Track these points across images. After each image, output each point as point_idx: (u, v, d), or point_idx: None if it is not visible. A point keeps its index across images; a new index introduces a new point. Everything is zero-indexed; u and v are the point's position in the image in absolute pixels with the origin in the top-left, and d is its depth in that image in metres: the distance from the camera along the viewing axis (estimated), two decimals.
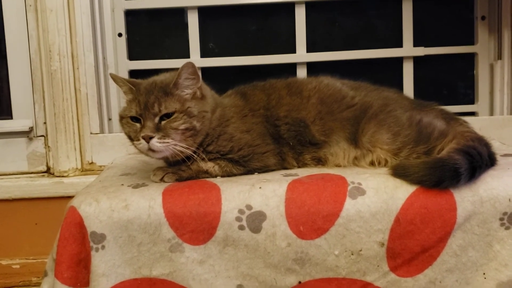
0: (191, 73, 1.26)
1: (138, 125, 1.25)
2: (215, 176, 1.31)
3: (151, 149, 1.22)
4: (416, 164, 1.19)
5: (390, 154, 1.31)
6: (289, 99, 1.43)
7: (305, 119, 1.39)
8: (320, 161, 1.38)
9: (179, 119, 1.24)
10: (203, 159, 1.29)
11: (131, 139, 1.28)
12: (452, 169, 1.14)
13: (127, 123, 1.27)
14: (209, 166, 1.30)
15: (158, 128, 1.22)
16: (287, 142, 1.39)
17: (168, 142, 1.22)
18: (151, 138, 1.21)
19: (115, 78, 1.32)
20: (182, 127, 1.24)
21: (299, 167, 1.39)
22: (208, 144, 1.31)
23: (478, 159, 1.18)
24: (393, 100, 1.41)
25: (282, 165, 1.38)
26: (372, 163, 1.33)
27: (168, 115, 1.23)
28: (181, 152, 1.24)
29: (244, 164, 1.33)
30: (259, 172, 1.34)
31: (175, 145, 1.23)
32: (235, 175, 1.32)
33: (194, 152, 1.27)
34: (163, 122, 1.23)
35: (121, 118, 1.30)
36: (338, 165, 1.36)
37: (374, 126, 1.33)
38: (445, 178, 1.13)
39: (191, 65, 1.25)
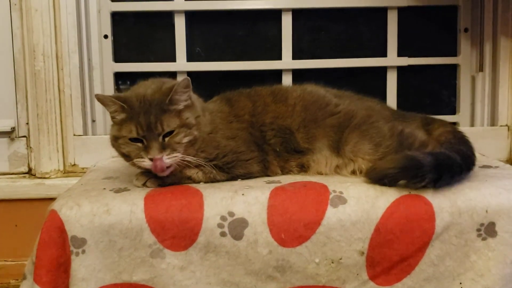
0: (185, 87, 1.26)
1: (139, 145, 1.23)
2: (198, 182, 1.31)
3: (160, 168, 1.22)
4: (383, 161, 1.25)
5: (372, 164, 1.32)
6: (275, 106, 1.44)
7: (290, 127, 1.40)
8: (303, 167, 1.40)
9: (181, 132, 1.24)
10: (187, 166, 1.29)
11: (128, 157, 1.26)
12: (415, 159, 1.18)
13: (126, 144, 1.25)
14: (192, 172, 1.31)
15: (163, 146, 1.22)
16: (273, 149, 1.40)
17: (176, 156, 1.23)
18: (160, 158, 1.21)
19: (102, 99, 1.26)
20: (186, 140, 1.25)
21: (283, 174, 1.40)
22: (202, 151, 1.30)
23: (447, 162, 1.21)
24: (375, 111, 1.44)
25: (266, 173, 1.39)
26: (353, 172, 1.35)
27: (169, 131, 1.23)
28: (189, 162, 1.25)
29: (228, 171, 1.33)
30: (242, 179, 1.35)
31: (182, 157, 1.24)
32: (218, 181, 1.32)
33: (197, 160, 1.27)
34: (166, 139, 1.23)
35: (116, 138, 1.26)
36: (320, 173, 1.38)
37: (356, 136, 1.35)
38: (409, 166, 1.17)
39: (187, 80, 1.25)
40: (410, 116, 1.49)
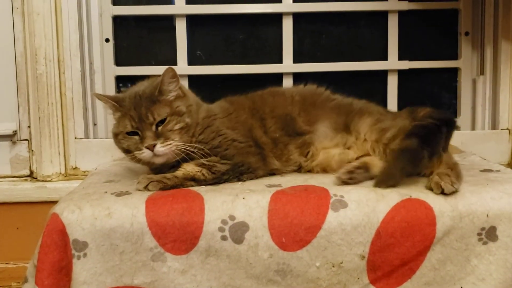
0: (172, 77, 1.34)
1: (136, 137, 1.31)
2: (203, 180, 1.31)
3: (156, 155, 1.29)
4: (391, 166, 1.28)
5: (375, 133, 1.40)
6: (273, 99, 1.54)
7: (291, 113, 1.49)
8: (304, 145, 1.46)
9: (172, 120, 1.31)
10: (193, 159, 1.32)
11: (129, 151, 1.34)
12: (407, 150, 1.26)
13: (124, 138, 1.33)
14: (196, 170, 1.31)
15: (157, 135, 1.29)
16: (272, 138, 1.45)
17: (170, 144, 1.30)
18: (154, 145, 1.28)
19: (99, 97, 1.37)
20: (177, 126, 1.31)
21: (281, 163, 1.45)
22: (200, 133, 1.37)
23: (426, 131, 1.31)
24: (370, 104, 1.57)
25: (263, 164, 1.42)
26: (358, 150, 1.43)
27: (162, 121, 1.30)
28: (184, 150, 1.31)
29: (229, 158, 1.35)
30: (242, 169, 1.36)
31: (177, 145, 1.30)
32: (222, 175, 1.33)
33: (195, 148, 1.32)
34: (159, 128, 1.31)
35: (116, 135, 1.35)
36: (324, 147, 1.45)
37: (358, 118, 1.46)
38: (408, 159, 1.25)
39: (171, 69, 1.33)
40: (398, 112, 1.64)
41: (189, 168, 1.31)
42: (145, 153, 1.29)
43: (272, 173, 1.45)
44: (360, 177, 1.30)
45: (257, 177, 1.39)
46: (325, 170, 1.44)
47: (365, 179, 1.31)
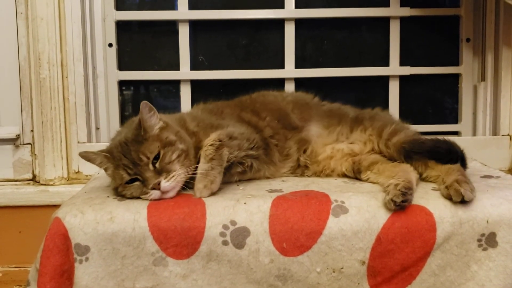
0: (149, 111, 1.27)
1: (137, 183, 1.24)
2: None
3: (164, 192, 1.22)
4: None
5: (376, 131, 1.44)
6: (264, 98, 1.56)
7: (285, 109, 1.52)
8: (301, 141, 1.47)
9: (167, 152, 1.24)
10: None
11: (134, 198, 1.25)
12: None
13: (125, 188, 1.25)
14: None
15: (158, 172, 1.22)
16: (270, 127, 1.45)
17: (174, 176, 1.22)
18: (159, 183, 1.21)
19: (85, 155, 1.29)
20: (174, 156, 1.24)
21: (283, 158, 1.46)
22: (204, 135, 1.33)
23: None
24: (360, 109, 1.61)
25: (264, 147, 1.40)
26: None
27: (156, 157, 1.24)
28: (191, 177, 1.25)
29: (237, 134, 1.32)
30: (249, 146, 1.34)
31: (180, 174, 1.24)
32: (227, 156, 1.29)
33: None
34: (157, 165, 1.23)
35: (116, 189, 1.27)
36: (326, 144, 1.48)
37: (356, 122, 1.51)
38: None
39: (145, 104, 1.26)
40: None
41: None
42: (153, 195, 1.21)
43: (272, 173, 1.45)
44: (411, 198, 1.18)
45: (260, 170, 1.40)
46: (331, 163, 1.46)
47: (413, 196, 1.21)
